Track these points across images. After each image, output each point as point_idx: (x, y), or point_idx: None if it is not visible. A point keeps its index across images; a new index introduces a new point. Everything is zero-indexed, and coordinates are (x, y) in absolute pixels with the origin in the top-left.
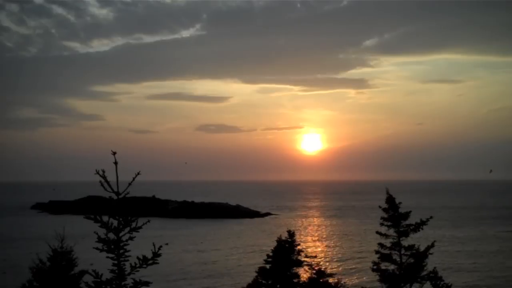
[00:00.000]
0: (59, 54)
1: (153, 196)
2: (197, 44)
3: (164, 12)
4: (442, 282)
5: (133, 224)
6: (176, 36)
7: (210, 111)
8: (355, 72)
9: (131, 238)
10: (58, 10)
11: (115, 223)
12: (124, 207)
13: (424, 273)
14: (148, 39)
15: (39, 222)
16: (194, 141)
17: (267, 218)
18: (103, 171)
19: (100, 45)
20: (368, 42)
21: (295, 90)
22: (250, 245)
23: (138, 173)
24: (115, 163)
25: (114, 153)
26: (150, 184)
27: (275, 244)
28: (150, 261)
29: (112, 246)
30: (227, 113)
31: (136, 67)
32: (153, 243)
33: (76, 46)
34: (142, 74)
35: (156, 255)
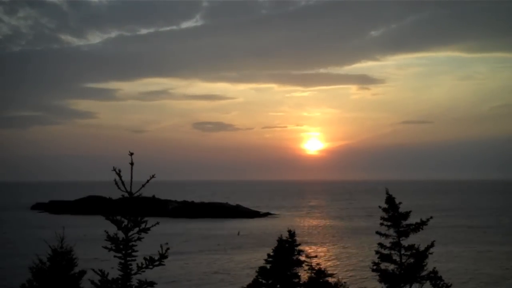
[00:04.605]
0: (49, 47)
1: (153, 196)
2: (194, 38)
3: (160, 0)
4: (442, 282)
5: (142, 225)
6: (173, 27)
7: (207, 109)
8: (359, 66)
9: (139, 239)
10: None
11: (125, 222)
12: (134, 207)
13: (424, 273)
14: (143, 30)
15: (39, 222)
16: (191, 139)
17: (267, 218)
18: (119, 170)
19: (92, 37)
20: (374, 33)
21: (295, 86)
22: (250, 245)
23: (153, 176)
24: (131, 163)
25: (131, 154)
26: (147, 184)
27: (275, 244)
28: (157, 262)
29: (121, 246)
30: (224, 111)
31: (130, 63)
32: (161, 245)
33: (67, 38)
34: (136, 70)
35: (163, 256)
